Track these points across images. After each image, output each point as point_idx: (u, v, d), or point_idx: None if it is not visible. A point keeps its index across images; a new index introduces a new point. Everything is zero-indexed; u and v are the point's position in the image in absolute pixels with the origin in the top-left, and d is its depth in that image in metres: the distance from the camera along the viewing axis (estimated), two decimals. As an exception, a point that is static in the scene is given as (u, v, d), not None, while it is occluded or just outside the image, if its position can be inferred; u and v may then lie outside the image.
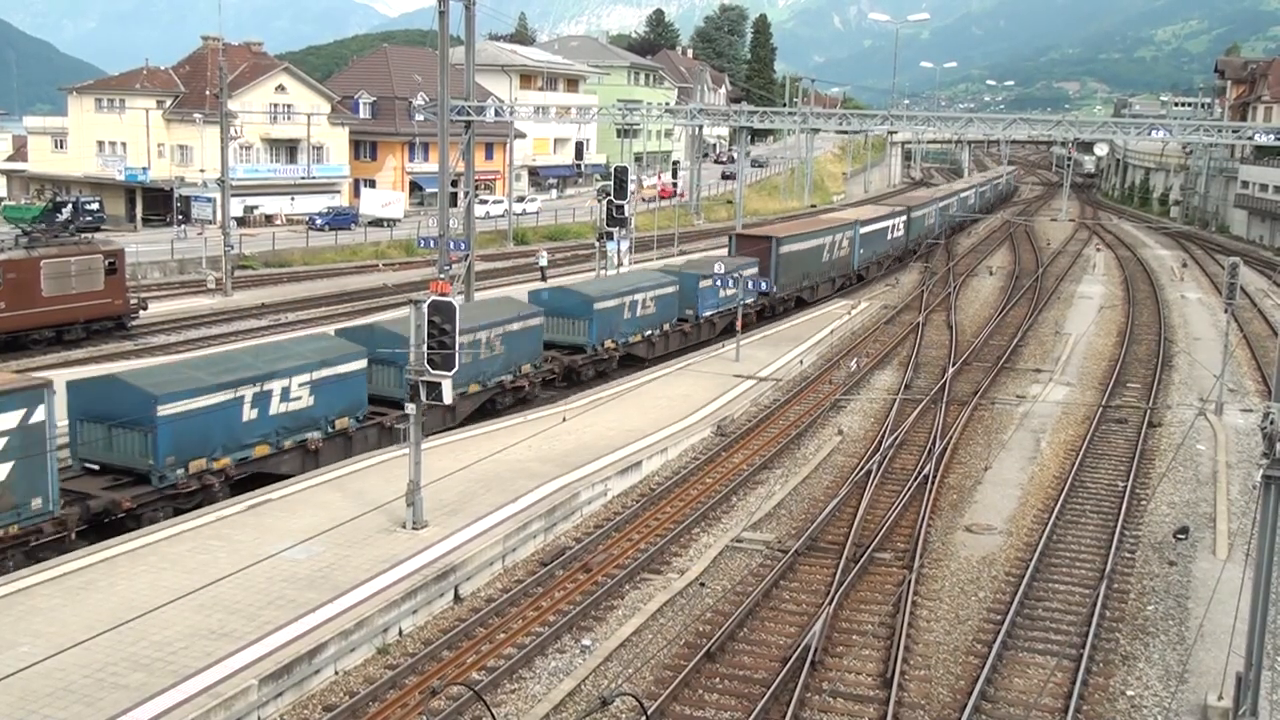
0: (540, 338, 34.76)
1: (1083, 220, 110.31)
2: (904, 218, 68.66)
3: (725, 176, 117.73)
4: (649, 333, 40.43)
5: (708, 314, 43.98)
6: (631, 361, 39.57)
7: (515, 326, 33.34)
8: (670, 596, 20.80)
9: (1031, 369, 41.50)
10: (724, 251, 52.03)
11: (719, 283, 42.83)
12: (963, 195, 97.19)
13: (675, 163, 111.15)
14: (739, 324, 41.15)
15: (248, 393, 24.78)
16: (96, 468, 23.59)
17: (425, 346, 21.44)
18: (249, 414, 24.88)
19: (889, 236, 66.08)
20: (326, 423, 27.07)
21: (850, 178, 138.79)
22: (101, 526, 22.46)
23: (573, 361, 36.78)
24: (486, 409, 32.34)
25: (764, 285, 44.54)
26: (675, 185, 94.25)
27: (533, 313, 34.71)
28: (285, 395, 25.84)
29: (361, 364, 28.10)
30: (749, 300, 43.79)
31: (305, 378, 26.34)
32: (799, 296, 52.32)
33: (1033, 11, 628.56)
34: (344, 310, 48.73)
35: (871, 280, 62.46)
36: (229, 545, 21.13)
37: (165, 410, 23.08)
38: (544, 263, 58.36)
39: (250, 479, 25.04)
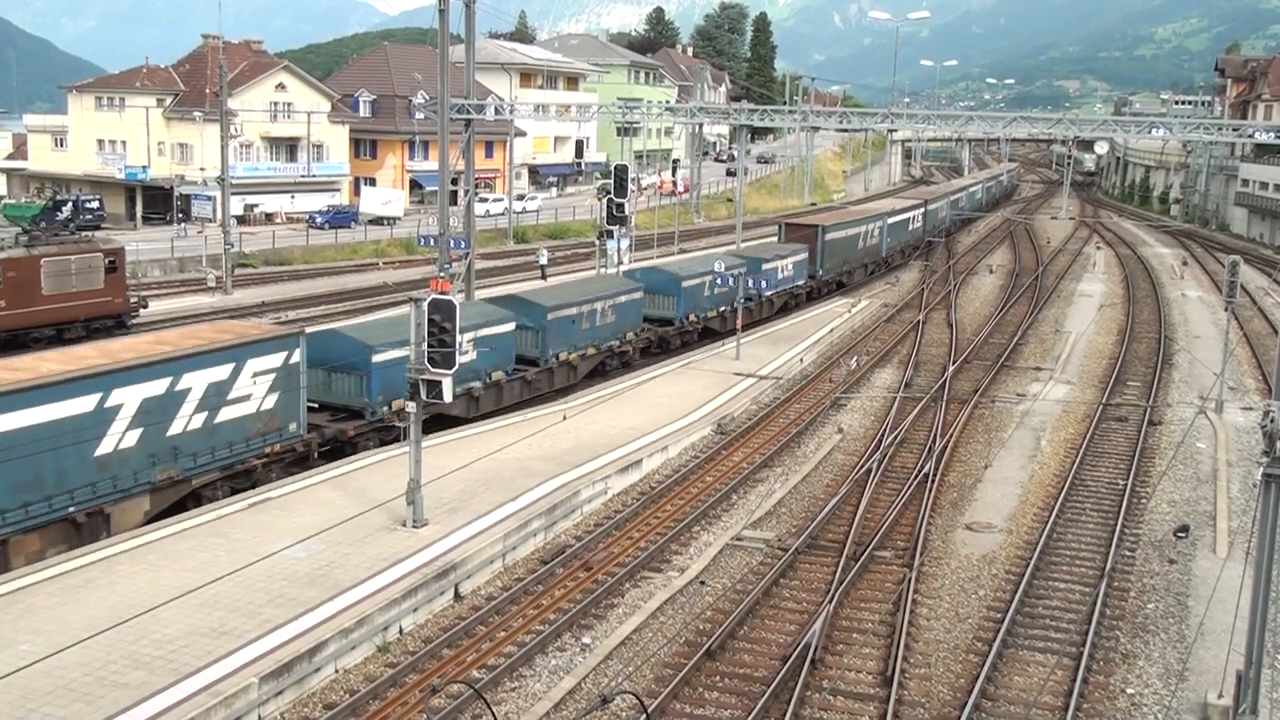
0: (641, 310, 38.70)
1: (1083, 218, 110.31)
2: (922, 210, 74.46)
3: (730, 173, 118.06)
4: (723, 308, 44.49)
5: (769, 293, 48.48)
6: (708, 334, 44.13)
7: (622, 299, 37.98)
8: (670, 595, 20.81)
9: (1032, 367, 41.50)
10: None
11: (778, 267, 48.91)
12: (971, 190, 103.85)
13: (675, 161, 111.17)
14: (739, 322, 41.16)
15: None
16: (315, 406, 27.64)
17: (425, 345, 21.42)
18: None
19: (909, 227, 71.57)
20: (486, 374, 31.78)
21: (850, 176, 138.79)
22: (331, 451, 27.17)
23: (664, 332, 41.17)
24: (596, 370, 37.45)
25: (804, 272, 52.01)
26: (674, 183, 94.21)
27: (635, 288, 39.08)
28: (459, 350, 27.38)
29: (511, 326, 33.03)
30: (799, 282, 50.91)
31: (471, 335, 30.39)
32: (839, 280, 57.49)
33: (1033, 9, 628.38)
34: (344, 309, 48.71)
35: (896, 266, 67.79)
36: (229, 543, 21.13)
37: (377, 358, 27.96)
38: (544, 261, 58.38)
39: (431, 419, 28.07)
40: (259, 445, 25.27)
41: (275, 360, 25.41)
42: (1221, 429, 32.91)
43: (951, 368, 39.46)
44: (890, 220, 65.31)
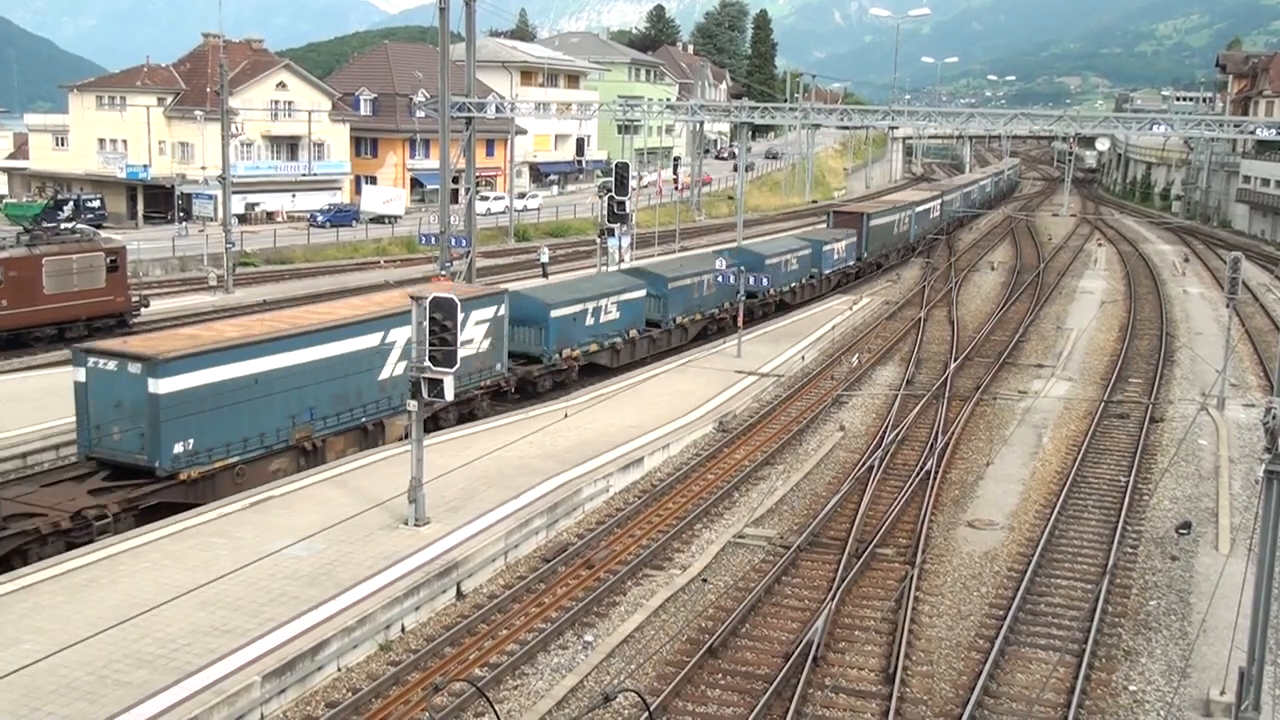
0: (735, 285, 42.41)
1: (1084, 215, 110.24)
2: (939, 201, 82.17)
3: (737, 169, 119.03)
4: (793, 285, 51.37)
5: (827, 272, 55.19)
6: (781, 308, 50.61)
7: (721, 276, 43.54)
8: (672, 592, 20.81)
9: (1033, 364, 41.49)
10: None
11: (834, 249, 55.85)
12: (981, 183, 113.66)
13: (676, 159, 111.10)
14: (740, 320, 41.16)
15: (589, 306, 36.86)
16: None
17: (427, 344, 21.41)
18: (589, 321, 36.95)
19: (931, 216, 79.40)
20: (624, 332, 38.80)
21: (851, 173, 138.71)
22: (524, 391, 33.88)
23: (750, 304, 45.58)
24: (701, 334, 44.40)
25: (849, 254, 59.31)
26: (676, 180, 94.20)
27: (733, 266, 43.39)
28: (605, 311, 37.94)
29: (642, 293, 40.00)
30: (850, 262, 58.19)
31: (615, 299, 38.31)
32: (878, 262, 64.16)
33: (1034, 6, 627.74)
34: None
35: (920, 250, 74.67)
36: (231, 542, 21.15)
37: (554, 314, 35.01)
38: (545, 259, 58.42)
39: (585, 368, 36.76)
40: (477, 380, 31.60)
41: (490, 312, 31.87)
42: (1223, 426, 32.90)
43: (953, 365, 39.44)
44: (917, 209, 73.94)
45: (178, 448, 23.28)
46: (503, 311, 32.34)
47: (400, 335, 27.33)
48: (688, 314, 42.93)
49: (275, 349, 25.37)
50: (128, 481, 23.19)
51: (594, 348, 37.13)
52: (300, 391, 25.92)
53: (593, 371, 37.29)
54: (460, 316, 24.68)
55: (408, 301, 24.87)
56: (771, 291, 48.15)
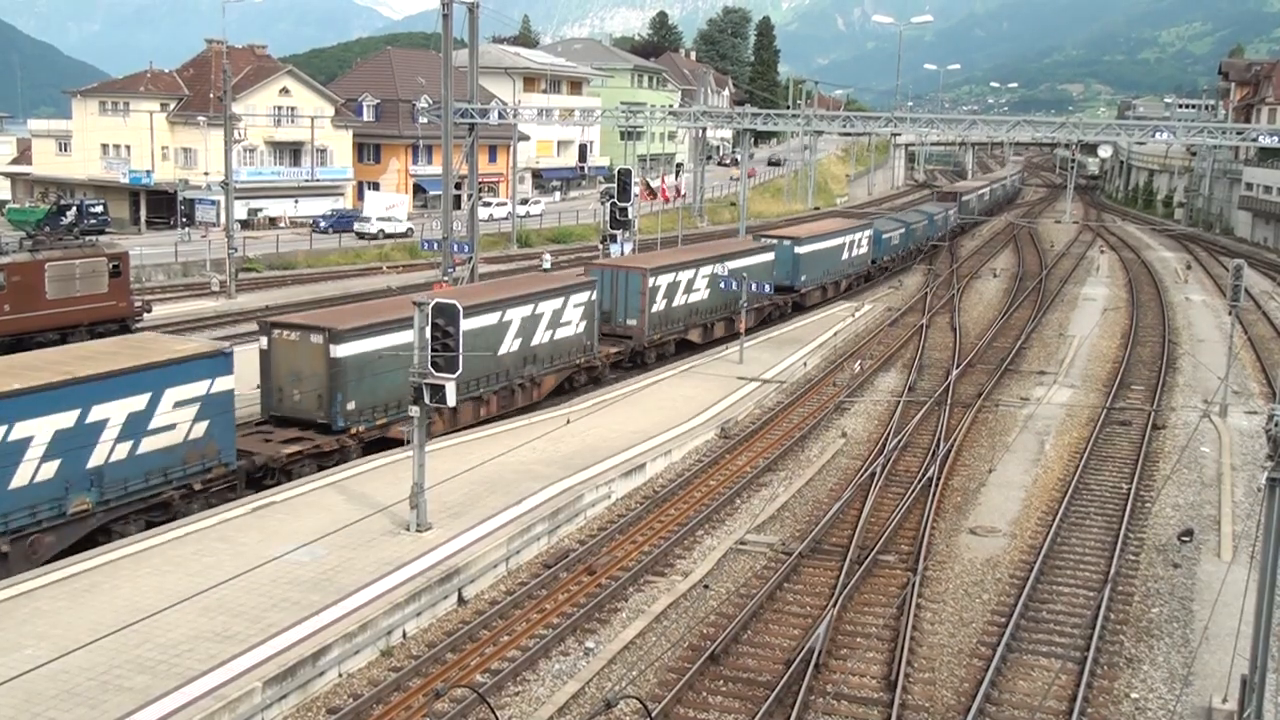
0: (870, 253, 56.23)
1: (1086, 222, 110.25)
2: (950, 208, 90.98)
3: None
4: (899, 253, 66.29)
5: (885, 258, 63.91)
6: (882, 270, 64.31)
7: (859, 245, 55.76)
8: (674, 599, 20.79)
9: (1035, 371, 41.47)
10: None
11: (891, 235, 65.79)
12: (994, 187, 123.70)
13: (679, 165, 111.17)
14: (741, 326, 41.15)
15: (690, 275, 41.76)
16: None
17: (429, 349, 21.40)
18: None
19: (987, 199, 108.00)
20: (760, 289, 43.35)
21: (854, 180, 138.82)
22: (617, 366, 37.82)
23: (870, 269, 60.12)
24: (832, 297, 53.84)
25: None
26: (678, 188, 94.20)
27: (872, 234, 57.76)
28: (690, 286, 42.01)
29: (770, 257, 47.45)
30: (940, 235, 79.24)
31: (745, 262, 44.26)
32: (961, 228, 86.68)
33: (1036, 13, 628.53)
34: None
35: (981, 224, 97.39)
36: (233, 548, 21.15)
37: (650, 281, 38.81)
38: (547, 266, 58.55)
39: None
40: (575, 360, 35.51)
41: (584, 297, 35.41)
42: (1225, 433, 32.86)
43: (955, 372, 39.43)
44: (965, 197, 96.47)
45: (350, 405, 27.10)
46: (594, 298, 35.87)
47: (516, 317, 32.63)
48: (830, 279, 52.85)
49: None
50: (310, 434, 26.97)
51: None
52: None
53: (764, 322, 47.28)
54: (559, 300, 34.17)
55: (519, 286, 33.57)
56: (886, 258, 63.38)
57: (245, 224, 73.30)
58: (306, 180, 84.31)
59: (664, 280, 39.21)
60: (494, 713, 15.74)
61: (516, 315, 32.42)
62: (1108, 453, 31.06)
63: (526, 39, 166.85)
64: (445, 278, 46.09)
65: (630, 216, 52.63)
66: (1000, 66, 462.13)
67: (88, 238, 45.17)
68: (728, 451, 29.96)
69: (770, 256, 46.54)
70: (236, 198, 56.46)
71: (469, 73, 48.82)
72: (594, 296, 35.83)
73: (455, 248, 48.17)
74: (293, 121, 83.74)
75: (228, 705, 15.56)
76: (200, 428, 23.91)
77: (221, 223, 60.56)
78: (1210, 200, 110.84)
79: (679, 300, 40.43)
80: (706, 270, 41.45)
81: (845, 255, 55.25)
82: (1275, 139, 56.07)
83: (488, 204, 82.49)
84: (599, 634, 19.51)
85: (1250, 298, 55.77)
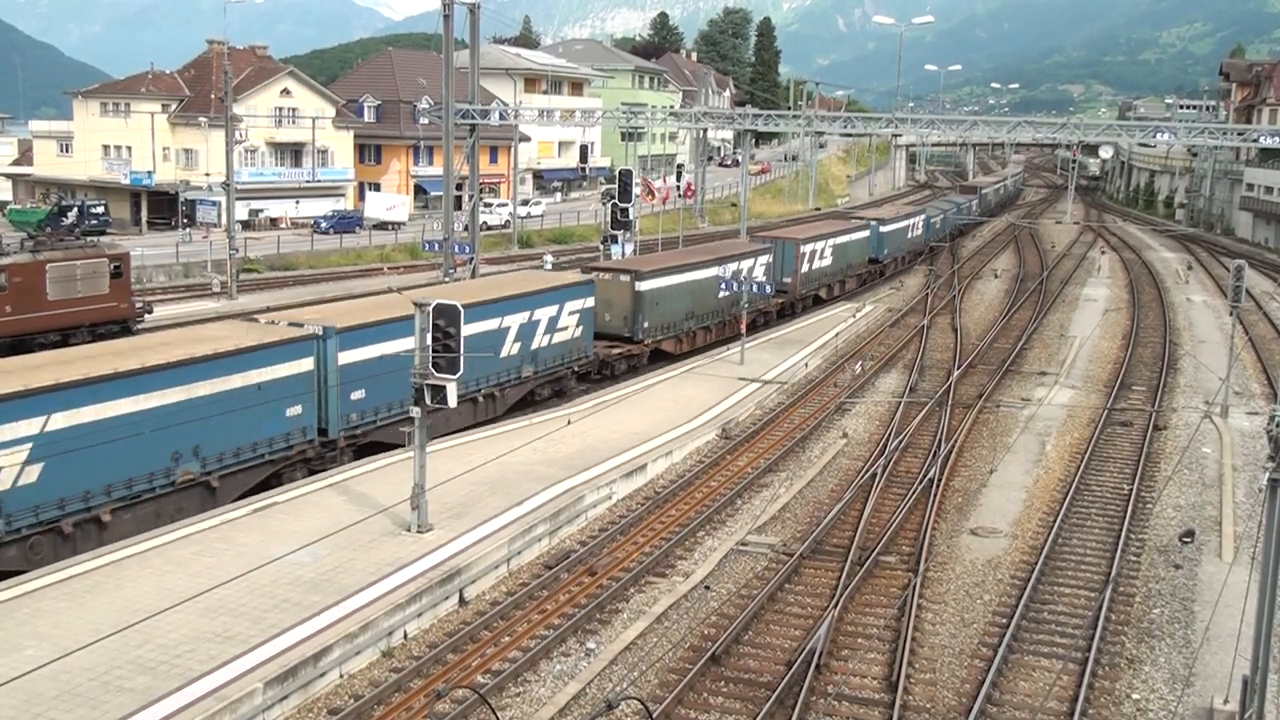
0: (923, 234, 69.44)
1: (1087, 223, 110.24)
2: (974, 199, 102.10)
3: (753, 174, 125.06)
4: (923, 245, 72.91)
5: (932, 238, 75.25)
6: (916, 259, 72.84)
7: (912, 227, 66.98)
8: (675, 600, 20.79)
9: (1036, 372, 41.46)
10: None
11: (935, 220, 77.73)
12: (1005, 183, 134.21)
13: (680, 166, 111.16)
14: (743, 326, 41.16)
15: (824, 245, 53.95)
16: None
17: (430, 350, 21.40)
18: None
19: (998, 194, 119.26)
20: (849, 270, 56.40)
21: (855, 180, 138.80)
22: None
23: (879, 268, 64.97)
24: (902, 268, 67.24)
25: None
26: (678, 188, 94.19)
27: (924, 221, 70.72)
28: (823, 254, 53.43)
29: (867, 234, 59.77)
30: (975, 212, 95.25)
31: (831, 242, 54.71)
32: (958, 231, 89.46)
33: (1036, 14, 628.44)
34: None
35: (995, 213, 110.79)
36: (234, 548, 21.15)
37: (800, 249, 50.87)
38: (549, 267, 58.45)
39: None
40: (761, 304, 46.31)
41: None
42: (1227, 434, 32.86)
43: (956, 372, 39.43)
44: (984, 191, 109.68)
45: (645, 324, 39.02)
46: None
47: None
48: (901, 251, 64.06)
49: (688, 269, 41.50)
50: (619, 344, 38.71)
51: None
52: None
53: (817, 302, 54.06)
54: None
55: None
56: (933, 238, 76.54)
57: (246, 225, 73.31)
58: (307, 181, 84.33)
59: (807, 249, 51.85)
60: (495, 713, 15.75)
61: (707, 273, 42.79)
62: (1109, 453, 31.06)
63: (527, 40, 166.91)
64: (446, 279, 46.11)
65: (631, 217, 52.62)
66: (1001, 67, 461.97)
67: (89, 239, 45.18)
68: (729, 452, 29.96)
69: (866, 234, 60.72)
70: (237, 198, 56.45)
71: (470, 73, 48.83)
72: (770, 259, 47.88)
73: (456, 249, 48.19)
74: (294, 122, 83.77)
75: (229, 706, 15.56)
76: (579, 331, 35.93)
77: (222, 223, 60.59)
78: (1211, 201, 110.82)
79: (817, 265, 53.44)
80: (831, 242, 55.19)
81: (909, 235, 69.97)
82: (1276, 140, 56.01)
83: (489, 205, 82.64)
84: (600, 635, 19.52)
85: (1251, 298, 55.77)
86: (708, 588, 21.48)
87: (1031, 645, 19.37)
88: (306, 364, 26.01)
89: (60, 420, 20.83)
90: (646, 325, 39.06)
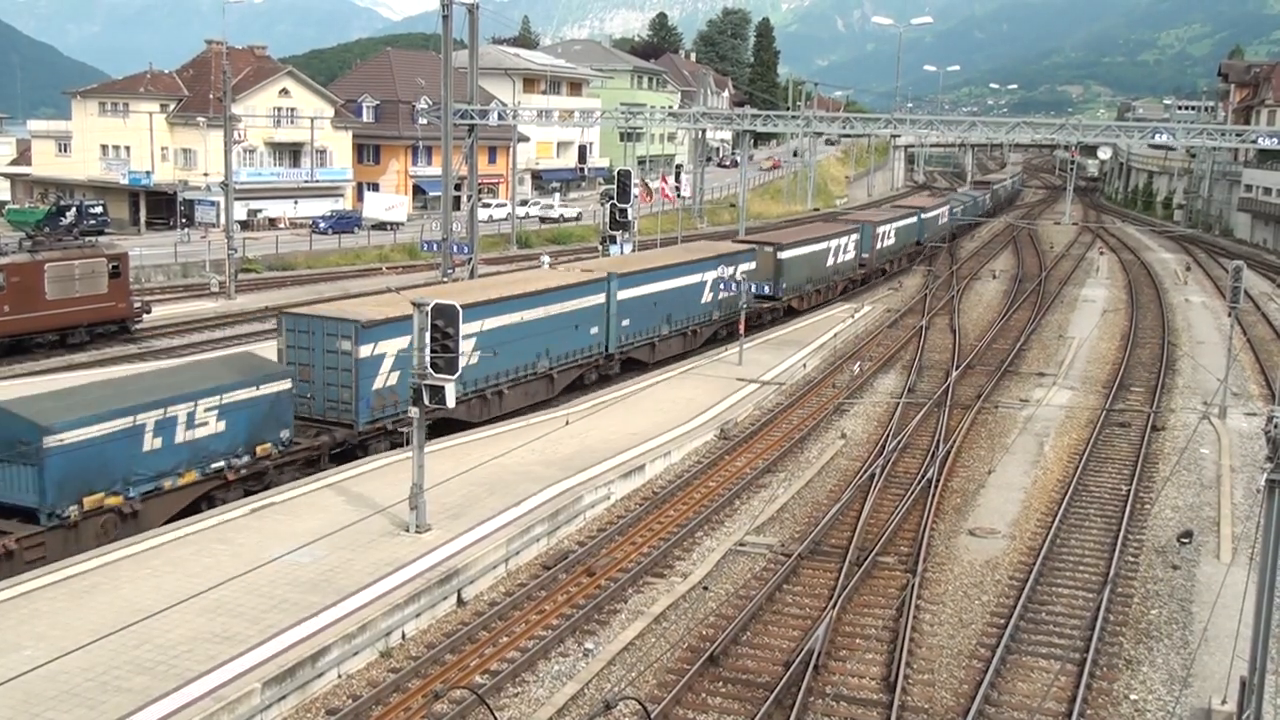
0: (949, 221, 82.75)
1: (1086, 224, 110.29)
2: (988, 193, 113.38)
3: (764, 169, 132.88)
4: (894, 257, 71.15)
5: (955, 225, 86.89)
6: (946, 240, 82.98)
7: (941, 215, 79.98)
8: (673, 600, 20.79)
9: (1035, 373, 41.48)
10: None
11: (958, 209, 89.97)
12: (1010, 180, 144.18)
13: (678, 166, 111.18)
14: (741, 326, 41.17)
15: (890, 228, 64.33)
16: None
17: (428, 350, 21.39)
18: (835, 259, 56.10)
19: (1008, 188, 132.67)
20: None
21: (854, 181, 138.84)
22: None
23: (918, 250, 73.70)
24: (939, 248, 78.12)
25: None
26: (677, 188, 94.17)
27: (950, 210, 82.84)
28: (842, 251, 56.17)
29: (915, 219, 70.25)
30: (988, 206, 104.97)
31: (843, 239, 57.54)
32: (976, 221, 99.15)
33: (1035, 15, 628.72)
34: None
35: (1002, 209, 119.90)
36: (232, 549, 21.15)
37: (876, 230, 61.41)
38: (545, 269, 58.48)
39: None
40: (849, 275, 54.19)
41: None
42: (1225, 434, 32.87)
43: (955, 373, 39.44)
44: (995, 186, 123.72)
45: (784, 285, 48.56)
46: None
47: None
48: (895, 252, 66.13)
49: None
50: (764, 303, 47.35)
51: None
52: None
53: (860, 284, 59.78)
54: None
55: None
56: (956, 225, 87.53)
57: (245, 225, 73.31)
58: (306, 181, 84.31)
59: (881, 230, 62.21)
60: (493, 714, 15.74)
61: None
62: (1107, 454, 31.07)
63: (526, 40, 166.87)
64: (445, 278, 46.09)
65: (630, 218, 52.61)
66: (1000, 68, 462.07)
67: (87, 238, 45.19)
68: (727, 453, 29.96)
69: (915, 219, 71.39)
70: (236, 198, 56.44)
71: (469, 74, 48.82)
72: (859, 237, 57.79)
73: (455, 249, 48.18)
74: (292, 122, 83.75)
75: (227, 706, 15.55)
76: (736, 292, 42.88)
77: (221, 223, 60.56)
78: (1210, 202, 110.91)
79: (885, 244, 63.54)
80: (894, 225, 65.57)
81: (940, 221, 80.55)
82: (1275, 141, 56.08)
83: (487, 205, 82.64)
84: (598, 635, 19.51)
85: (1249, 299, 55.78)
86: (706, 588, 21.47)
87: (1030, 646, 19.37)
88: (600, 298, 36.36)
89: (490, 324, 31.08)
90: (785, 285, 48.55)
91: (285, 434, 25.82)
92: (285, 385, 25.89)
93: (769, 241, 49.23)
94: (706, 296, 42.93)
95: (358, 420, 27.30)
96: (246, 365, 26.20)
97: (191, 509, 23.58)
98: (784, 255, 48.18)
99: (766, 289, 47.29)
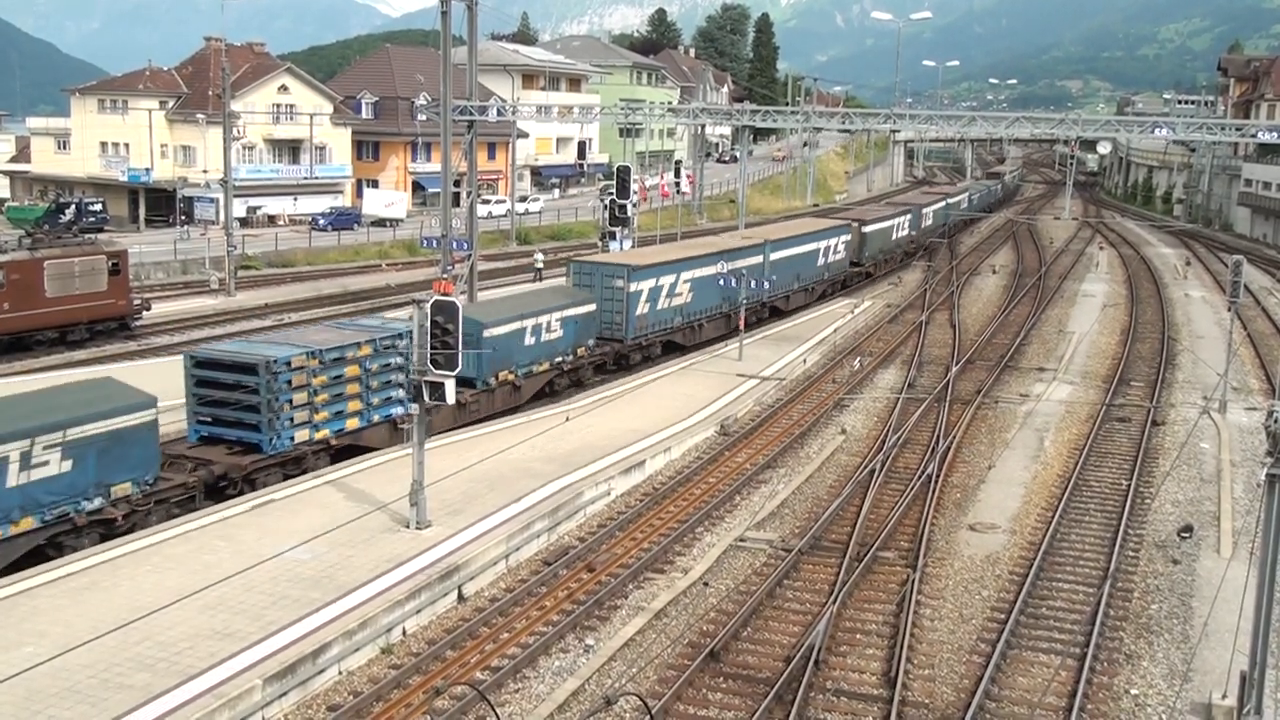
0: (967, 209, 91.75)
1: (1086, 219, 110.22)
2: (999, 183, 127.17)
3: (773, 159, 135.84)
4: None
5: (996, 197, 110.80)
6: (965, 224, 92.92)
7: (962, 201, 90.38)
8: (674, 596, 20.80)
9: (1035, 368, 41.47)
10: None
11: (975, 197, 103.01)
12: (1009, 175, 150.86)
13: (678, 162, 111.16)
14: (741, 323, 41.18)
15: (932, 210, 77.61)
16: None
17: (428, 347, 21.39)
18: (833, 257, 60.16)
19: (995, 190, 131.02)
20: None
21: (853, 176, 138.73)
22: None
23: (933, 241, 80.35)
24: (958, 230, 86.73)
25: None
26: (677, 184, 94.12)
27: (970, 196, 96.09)
28: (902, 226, 67.74)
29: (945, 204, 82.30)
30: (999, 196, 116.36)
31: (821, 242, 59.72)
32: (1006, 198, 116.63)
33: (1035, 9, 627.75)
34: (348, 310, 48.72)
35: (1010, 199, 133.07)
36: (233, 545, 21.15)
37: (922, 212, 75.08)
38: (540, 264, 58.46)
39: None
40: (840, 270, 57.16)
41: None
42: (1225, 429, 32.88)
43: (955, 368, 39.43)
44: (1005, 177, 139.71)
45: (866, 254, 59.30)
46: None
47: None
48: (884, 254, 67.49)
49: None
50: (853, 267, 58.06)
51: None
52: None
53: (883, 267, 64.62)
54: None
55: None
56: (972, 212, 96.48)
57: (244, 222, 73.25)
58: (305, 178, 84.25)
59: (926, 211, 74.18)
60: (494, 710, 15.75)
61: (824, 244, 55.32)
62: (1107, 449, 31.07)
63: (525, 36, 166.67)
64: (445, 275, 46.04)
65: (629, 214, 52.59)
66: (999, 63, 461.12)
67: (87, 236, 45.19)
68: (727, 448, 29.97)
69: (944, 204, 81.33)
70: (235, 195, 56.41)
71: (468, 70, 48.74)
72: (911, 217, 68.80)
73: (454, 245, 48.12)
74: (291, 119, 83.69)
75: (228, 703, 15.57)
76: (841, 257, 54.54)
77: (220, 220, 60.57)
78: (1209, 196, 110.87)
79: (930, 223, 76.19)
80: (933, 208, 77.40)
81: (960, 207, 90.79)
82: (1274, 135, 56.09)
83: (487, 201, 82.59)
84: (599, 631, 19.52)
85: (1249, 294, 55.77)
86: (706, 584, 21.49)
87: (1030, 640, 19.38)
88: (759, 258, 45.36)
89: (685, 275, 40.39)
90: (866, 254, 59.30)
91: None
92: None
93: (855, 218, 60.71)
94: (820, 261, 52.43)
95: (626, 336, 37.21)
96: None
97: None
98: (867, 230, 59.14)
99: (852, 257, 58.07)
